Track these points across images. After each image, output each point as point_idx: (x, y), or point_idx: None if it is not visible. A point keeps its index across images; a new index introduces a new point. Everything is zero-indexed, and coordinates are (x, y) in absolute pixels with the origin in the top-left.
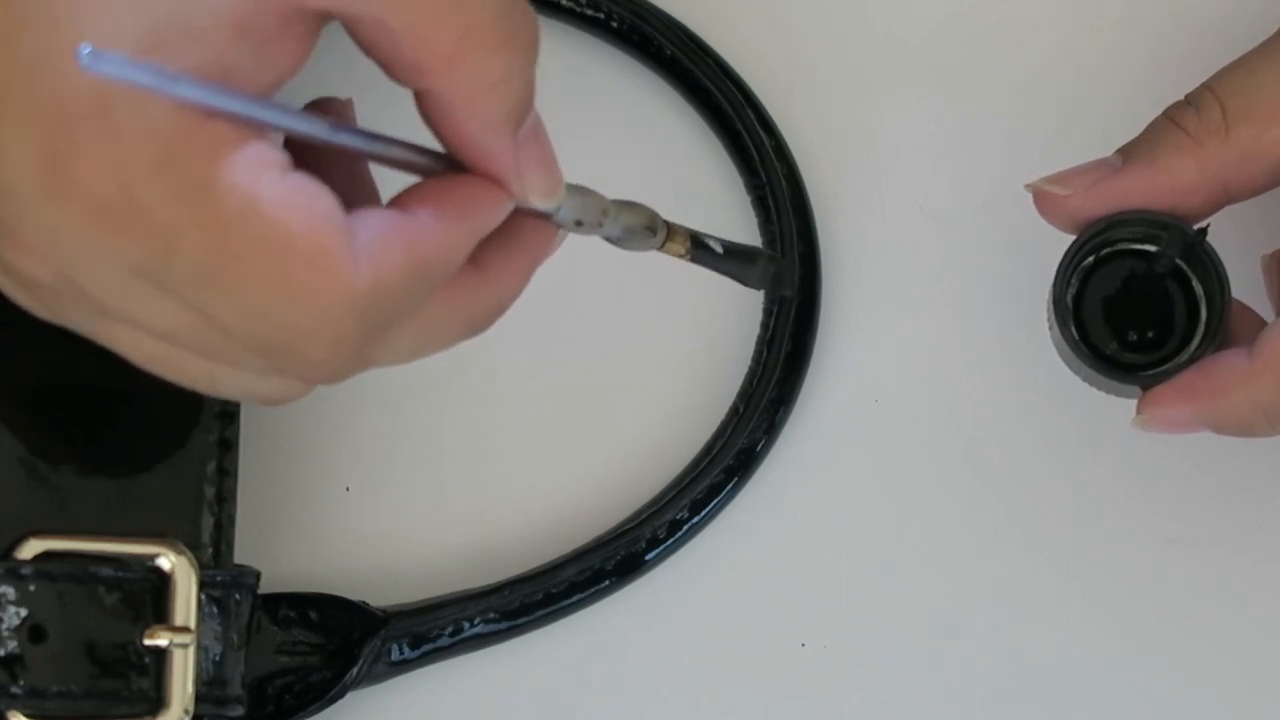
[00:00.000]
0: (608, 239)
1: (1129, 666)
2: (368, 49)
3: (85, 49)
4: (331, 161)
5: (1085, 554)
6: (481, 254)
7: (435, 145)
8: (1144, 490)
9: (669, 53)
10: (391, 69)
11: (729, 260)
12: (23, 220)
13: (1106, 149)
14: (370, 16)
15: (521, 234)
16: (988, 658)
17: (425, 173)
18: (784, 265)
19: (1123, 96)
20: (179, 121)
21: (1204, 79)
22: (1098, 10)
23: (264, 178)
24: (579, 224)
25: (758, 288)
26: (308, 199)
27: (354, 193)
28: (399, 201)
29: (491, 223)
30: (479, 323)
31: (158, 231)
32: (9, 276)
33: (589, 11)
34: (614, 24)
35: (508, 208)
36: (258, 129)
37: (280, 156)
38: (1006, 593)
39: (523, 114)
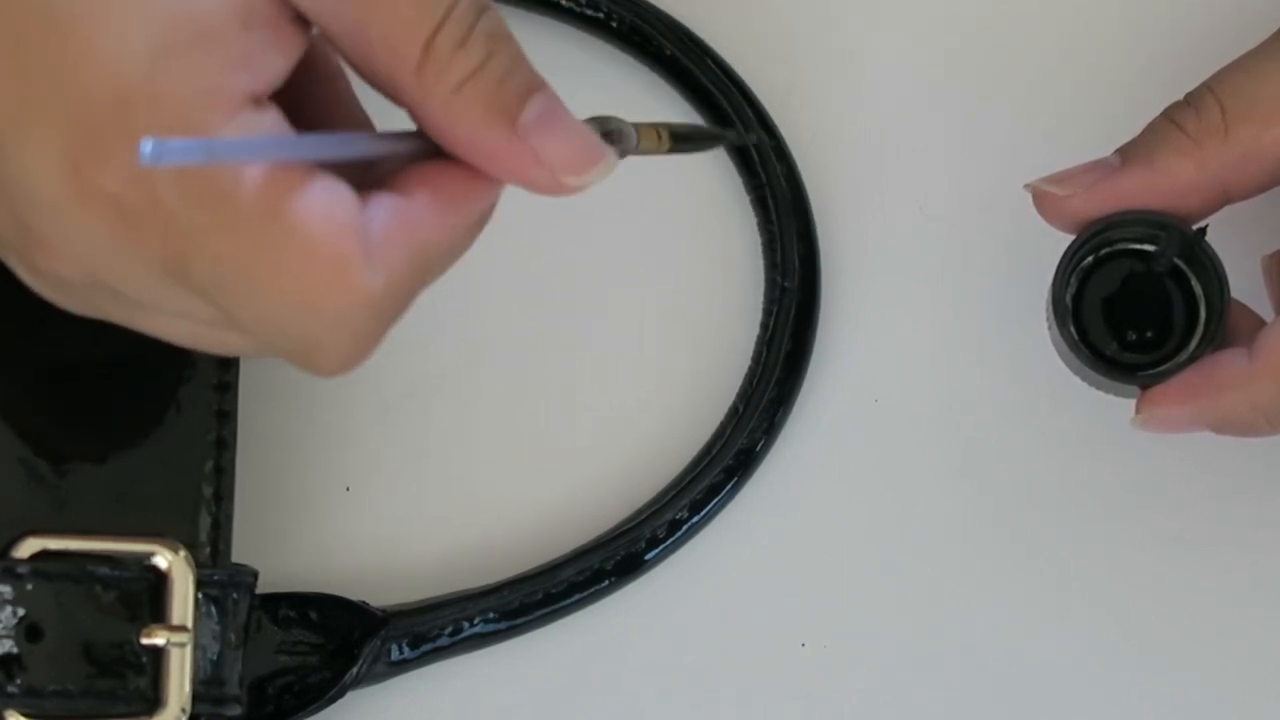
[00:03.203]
0: None
1: (1129, 666)
2: (347, 59)
3: (147, 146)
4: (327, 101)
5: (1085, 554)
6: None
7: None
8: (1144, 490)
9: (669, 53)
10: (374, 84)
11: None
12: (51, 226)
13: (1107, 149)
14: (340, 27)
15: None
16: (987, 657)
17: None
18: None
19: (1123, 97)
20: (200, 127)
21: (1204, 79)
22: (1098, 10)
23: (287, 183)
24: None
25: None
26: (329, 203)
27: (347, 118)
28: (401, 185)
29: (487, 208)
30: (474, 236)
31: (180, 235)
32: (40, 278)
33: (589, 11)
34: (614, 24)
35: (498, 192)
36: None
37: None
38: (1006, 592)
39: (512, 103)
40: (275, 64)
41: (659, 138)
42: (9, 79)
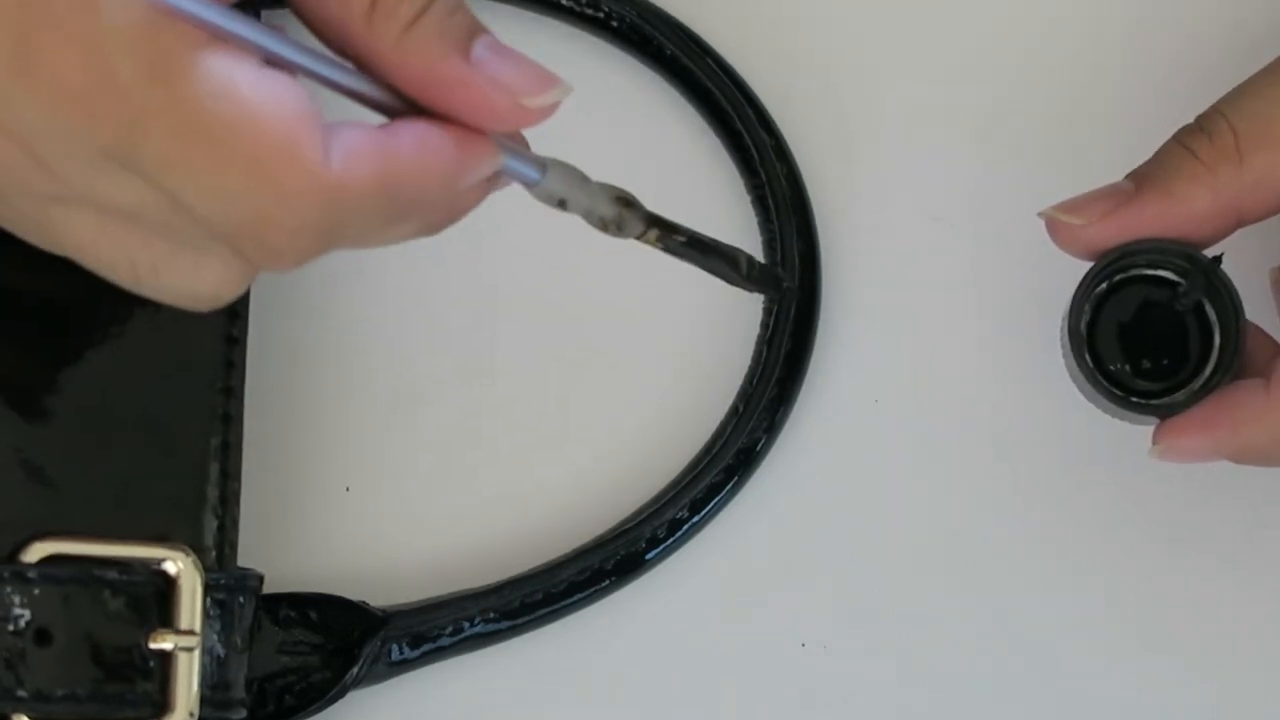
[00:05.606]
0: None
1: (1130, 666)
2: (296, 11)
3: None
4: None
5: (1086, 554)
6: None
7: None
8: (1144, 490)
9: (669, 53)
10: (324, 36)
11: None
12: None
13: (1108, 151)
14: None
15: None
16: (987, 658)
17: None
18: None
19: (1125, 100)
20: (161, 8)
21: (1207, 86)
22: (1102, 15)
23: (241, 65)
24: (562, 204)
25: (748, 288)
26: (282, 90)
27: None
28: (390, 124)
29: (474, 167)
30: (446, 211)
31: (132, 114)
32: None
33: (589, 11)
34: (614, 24)
35: (492, 155)
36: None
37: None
38: (1006, 593)
39: (462, 36)
40: None
41: (651, 230)
42: None
